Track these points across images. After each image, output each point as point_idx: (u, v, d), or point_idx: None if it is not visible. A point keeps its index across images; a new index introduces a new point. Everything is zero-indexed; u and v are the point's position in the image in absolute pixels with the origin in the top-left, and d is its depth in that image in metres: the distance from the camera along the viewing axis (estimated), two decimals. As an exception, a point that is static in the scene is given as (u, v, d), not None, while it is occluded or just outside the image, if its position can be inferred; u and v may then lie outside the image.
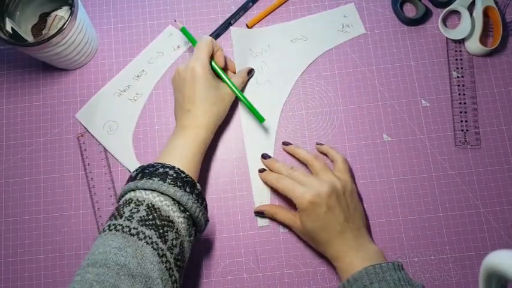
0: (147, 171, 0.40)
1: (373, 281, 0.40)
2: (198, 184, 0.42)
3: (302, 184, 0.44)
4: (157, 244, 0.36)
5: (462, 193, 0.49)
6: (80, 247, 0.49)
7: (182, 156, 0.43)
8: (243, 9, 0.55)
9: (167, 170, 0.40)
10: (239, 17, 0.55)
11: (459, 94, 0.52)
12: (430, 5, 0.55)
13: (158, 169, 0.40)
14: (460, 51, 0.53)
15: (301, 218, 0.44)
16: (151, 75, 0.53)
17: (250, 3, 0.55)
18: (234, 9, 0.55)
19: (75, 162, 0.51)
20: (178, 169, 0.41)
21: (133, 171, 0.41)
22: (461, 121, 0.51)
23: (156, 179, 0.39)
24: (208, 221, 0.43)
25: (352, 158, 0.51)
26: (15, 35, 0.49)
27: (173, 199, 0.39)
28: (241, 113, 0.52)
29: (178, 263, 0.38)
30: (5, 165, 0.52)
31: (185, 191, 0.39)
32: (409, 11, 0.55)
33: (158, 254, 0.36)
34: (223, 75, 0.49)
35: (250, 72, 0.52)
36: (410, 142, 0.51)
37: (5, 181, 0.51)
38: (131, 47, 0.55)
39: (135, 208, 0.37)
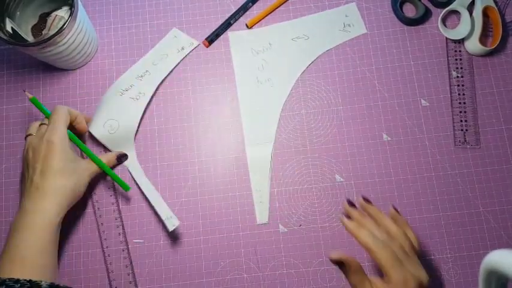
0: None
1: None
2: (43, 283, 0.38)
3: (401, 262, 0.37)
4: None
5: (462, 193, 0.49)
6: (80, 246, 0.49)
7: (25, 253, 0.39)
8: (243, 9, 0.55)
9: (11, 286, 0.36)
10: (239, 17, 0.55)
11: (459, 94, 0.52)
12: (429, 5, 0.55)
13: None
14: (460, 51, 0.53)
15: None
16: (155, 75, 0.53)
17: (250, 3, 0.55)
18: (234, 9, 0.55)
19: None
20: (10, 281, 0.36)
21: None
22: (461, 121, 0.51)
23: None
24: None
25: (352, 158, 0.51)
26: (15, 35, 0.49)
27: None
28: (241, 112, 0.52)
29: None
30: (5, 165, 0.52)
31: None
32: (409, 11, 0.55)
33: None
34: (82, 146, 0.47)
35: (121, 158, 0.49)
36: (410, 142, 0.51)
37: (5, 181, 0.51)
38: (131, 47, 0.55)
39: None
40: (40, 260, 0.40)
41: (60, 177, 0.42)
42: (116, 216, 0.49)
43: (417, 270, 0.38)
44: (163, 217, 0.47)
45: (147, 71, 0.53)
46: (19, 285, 0.37)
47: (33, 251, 0.40)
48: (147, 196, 0.49)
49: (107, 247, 0.49)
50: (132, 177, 0.50)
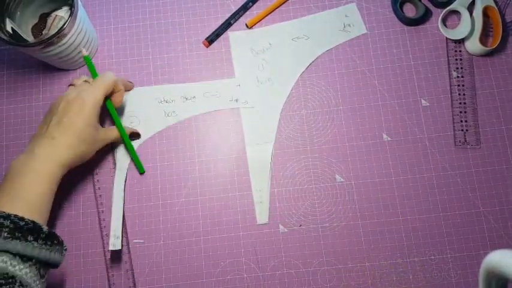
0: None
1: None
2: (44, 227, 0.38)
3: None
4: None
5: (462, 193, 0.49)
6: (80, 247, 0.49)
7: (29, 196, 0.39)
8: (243, 9, 0.55)
9: (1, 221, 0.36)
10: (239, 17, 0.55)
11: (459, 94, 0.52)
12: (430, 5, 0.55)
13: None
14: (460, 51, 0.53)
15: None
16: (198, 106, 0.52)
17: (250, 3, 0.55)
18: (234, 9, 0.55)
19: (75, 162, 0.51)
20: (16, 217, 0.36)
21: None
22: (461, 121, 0.51)
23: None
24: (63, 251, 0.40)
25: (352, 158, 0.51)
26: (15, 35, 0.49)
27: (12, 253, 0.35)
28: (241, 112, 0.52)
29: None
30: (5, 165, 0.51)
31: (27, 240, 0.36)
32: (409, 11, 0.55)
33: None
34: (115, 116, 0.48)
35: (134, 136, 0.50)
36: (410, 142, 0.51)
37: (5, 181, 0.51)
38: (131, 47, 0.55)
39: None
40: (41, 207, 0.40)
41: (77, 139, 0.42)
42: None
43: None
44: (112, 233, 0.47)
45: (195, 96, 0.52)
46: (24, 223, 0.37)
47: (37, 197, 0.40)
48: (113, 204, 0.48)
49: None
50: (114, 175, 0.50)
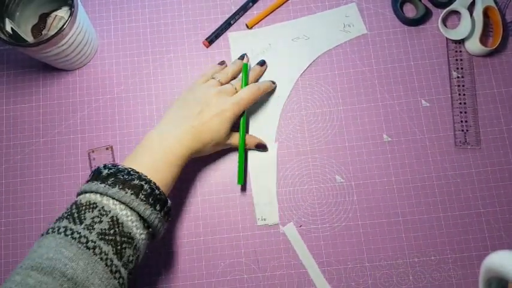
0: (120, 178, 0.37)
1: None
2: (169, 202, 0.40)
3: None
4: (112, 261, 0.34)
5: (462, 193, 0.49)
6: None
7: (162, 169, 0.41)
8: (243, 10, 0.55)
9: (142, 183, 0.38)
10: (239, 17, 0.55)
11: (459, 94, 0.52)
12: (430, 5, 0.55)
13: (134, 180, 0.37)
14: (460, 51, 0.53)
15: None
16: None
17: (250, 4, 0.55)
18: (234, 9, 0.55)
19: (75, 162, 0.51)
20: (154, 184, 0.39)
21: (105, 169, 0.39)
22: (461, 121, 0.51)
23: (129, 192, 0.37)
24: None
25: (352, 158, 0.51)
26: (15, 36, 0.49)
27: (140, 216, 0.37)
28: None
29: (131, 276, 0.37)
30: (5, 166, 0.51)
31: (155, 209, 0.38)
32: (409, 11, 0.55)
33: (111, 270, 0.34)
34: (244, 124, 0.49)
35: (260, 147, 0.50)
36: (410, 142, 0.51)
37: (5, 181, 0.51)
38: (131, 47, 0.54)
39: (98, 217, 0.35)
40: (167, 186, 0.42)
41: (210, 138, 0.45)
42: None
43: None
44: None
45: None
46: (158, 192, 0.39)
47: (168, 176, 0.41)
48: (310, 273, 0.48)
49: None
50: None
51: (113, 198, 0.36)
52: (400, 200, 0.49)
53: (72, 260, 0.33)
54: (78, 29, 0.47)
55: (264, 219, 0.49)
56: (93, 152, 0.51)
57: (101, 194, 0.37)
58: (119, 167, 0.39)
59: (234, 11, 0.55)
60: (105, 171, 0.38)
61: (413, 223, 0.49)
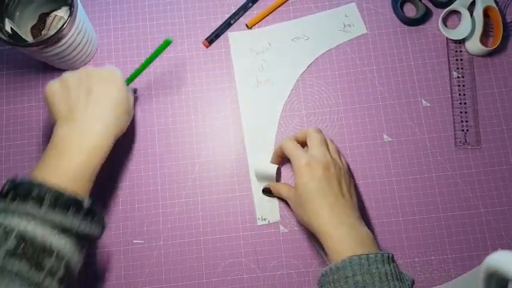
0: (21, 192, 0.35)
1: (356, 272, 0.36)
2: (85, 200, 0.38)
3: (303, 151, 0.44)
4: (28, 276, 0.33)
5: (462, 193, 0.49)
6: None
7: (71, 168, 0.39)
8: (243, 9, 0.55)
9: (44, 191, 0.35)
10: (239, 17, 0.55)
11: (459, 94, 0.52)
12: (430, 5, 0.55)
13: (33, 189, 0.35)
14: (461, 51, 0.53)
15: (296, 180, 0.42)
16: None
17: (250, 4, 0.55)
18: (234, 9, 0.55)
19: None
20: (57, 190, 0.36)
21: (4, 185, 0.37)
22: (462, 121, 0.51)
23: (30, 203, 0.35)
24: (104, 225, 0.40)
25: (352, 158, 0.51)
26: (14, 36, 0.49)
27: (54, 224, 0.35)
28: (241, 113, 0.52)
29: (66, 280, 0.35)
30: (5, 166, 0.51)
31: (67, 212, 0.36)
32: (409, 11, 0.55)
33: (31, 285, 0.33)
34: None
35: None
36: (411, 142, 0.51)
37: (5, 181, 0.51)
38: (131, 47, 0.54)
39: (2, 237, 0.33)
40: (83, 178, 0.40)
41: (114, 106, 0.44)
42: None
43: (324, 152, 0.43)
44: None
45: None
46: (66, 195, 0.36)
47: (80, 168, 0.40)
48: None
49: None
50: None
51: (14, 214, 0.35)
52: (400, 200, 0.49)
53: None
54: (78, 28, 0.47)
55: (265, 219, 0.49)
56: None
57: (3, 211, 0.35)
58: (17, 180, 0.37)
59: (234, 11, 0.55)
60: (5, 188, 0.36)
61: (413, 223, 0.49)
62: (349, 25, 0.54)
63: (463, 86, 0.52)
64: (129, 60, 0.54)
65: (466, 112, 0.51)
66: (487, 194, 0.49)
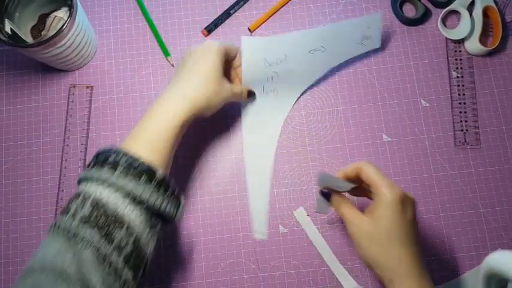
0: (100, 158, 0.36)
1: None
2: (159, 170, 0.36)
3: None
4: (99, 246, 0.32)
5: (462, 193, 0.49)
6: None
7: (151, 137, 0.38)
8: (243, 0, 0.55)
9: (120, 156, 0.35)
10: (239, 8, 0.55)
11: (459, 94, 0.52)
12: (429, 5, 0.55)
13: (110, 155, 0.36)
14: (460, 51, 0.53)
15: (383, 213, 0.36)
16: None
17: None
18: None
19: (75, 162, 0.51)
20: (132, 156, 0.36)
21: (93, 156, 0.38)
22: (461, 121, 0.51)
23: (105, 169, 0.35)
24: (179, 205, 0.38)
25: (352, 158, 0.51)
26: (14, 36, 0.49)
27: (127, 191, 0.34)
28: (242, 113, 0.52)
29: (133, 260, 0.34)
30: (5, 166, 0.51)
31: (139, 180, 0.35)
32: (409, 11, 0.55)
33: (99, 256, 0.32)
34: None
35: (250, 95, 0.49)
36: (410, 142, 0.51)
37: (5, 181, 0.51)
38: (130, 48, 0.54)
39: (80, 204, 0.34)
40: (162, 151, 0.38)
41: (203, 79, 0.42)
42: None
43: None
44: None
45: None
46: (139, 162, 0.35)
47: (160, 139, 0.39)
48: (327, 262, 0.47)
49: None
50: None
51: (92, 181, 0.35)
52: (400, 200, 0.49)
53: (60, 253, 0.32)
54: (78, 29, 0.47)
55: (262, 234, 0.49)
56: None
57: (84, 180, 0.36)
58: (101, 148, 0.37)
59: (234, 1, 0.55)
60: (92, 158, 0.37)
61: (413, 223, 0.49)
62: (367, 37, 0.50)
63: (463, 85, 0.52)
64: (129, 60, 0.54)
65: (465, 112, 0.51)
66: (486, 194, 0.49)
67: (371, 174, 0.37)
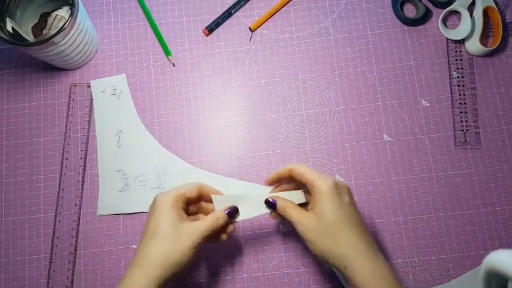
0: None
1: None
2: None
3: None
4: None
5: (462, 193, 0.49)
6: (80, 247, 0.49)
7: None
8: (244, 0, 0.55)
9: None
10: (240, 7, 0.55)
11: (459, 94, 0.52)
12: (430, 5, 0.55)
13: None
14: (460, 51, 0.53)
15: (321, 205, 0.37)
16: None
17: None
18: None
19: (75, 162, 0.51)
20: None
21: None
22: (461, 121, 0.51)
23: None
24: None
25: (352, 158, 0.51)
26: (15, 35, 0.49)
27: None
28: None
29: None
30: (5, 165, 0.52)
31: None
32: (409, 11, 0.55)
33: None
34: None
35: (232, 214, 0.41)
36: (411, 142, 0.51)
37: (5, 181, 0.51)
38: (131, 47, 0.55)
39: None
40: None
41: (158, 239, 0.37)
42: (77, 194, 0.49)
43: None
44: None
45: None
46: None
47: None
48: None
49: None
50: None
51: None
52: (400, 200, 0.49)
53: None
54: (79, 28, 0.47)
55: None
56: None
57: None
58: None
59: (235, 1, 0.55)
60: None
61: (413, 223, 0.49)
62: None
63: (463, 86, 0.52)
64: (130, 60, 0.54)
65: (465, 112, 0.51)
66: (486, 194, 0.49)
67: (303, 172, 0.39)
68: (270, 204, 0.41)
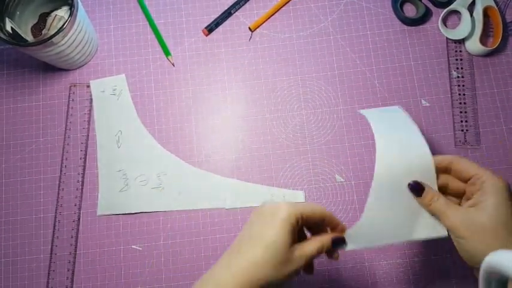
0: None
1: None
2: None
3: None
4: None
5: (462, 193, 0.49)
6: (80, 247, 0.49)
7: None
8: (244, 0, 0.55)
9: None
10: (239, 7, 0.55)
11: (459, 94, 0.52)
12: (430, 5, 0.55)
13: None
14: (460, 51, 0.53)
15: (490, 201, 0.33)
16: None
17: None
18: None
19: (75, 162, 0.51)
20: None
21: None
22: (461, 121, 0.51)
23: None
24: None
25: (353, 158, 0.51)
26: (15, 35, 0.49)
27: None
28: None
29: None
30: (5, 165, 0.51)
31: None
32: (409, 11, 0.55)
33: None
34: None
35: (338, 243, 0.36)
36: (411, 142, 0.51)
37: (5, 181, 0.51)
38: (131, 47, 0.54)
39: None
40: None
41: (266, 253, 0.33)
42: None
43: None
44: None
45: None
46: None
47: None
48: None
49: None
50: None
51: None
52: (400, 200, 0.49)
53: None
54: (78, 28, 0.47)
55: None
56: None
57: None
58: None
59: (235, 1, 0.55)
60: None
61: (413, 223, 0.49)
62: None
63: (463, 85, 0.52)
64: (129, 60, 0.54)
65: (465, 112, 0.51)
66: (486, 194, 0.49)
67: (469, 166, 0.36)
68: (415, 189, 0.36)
